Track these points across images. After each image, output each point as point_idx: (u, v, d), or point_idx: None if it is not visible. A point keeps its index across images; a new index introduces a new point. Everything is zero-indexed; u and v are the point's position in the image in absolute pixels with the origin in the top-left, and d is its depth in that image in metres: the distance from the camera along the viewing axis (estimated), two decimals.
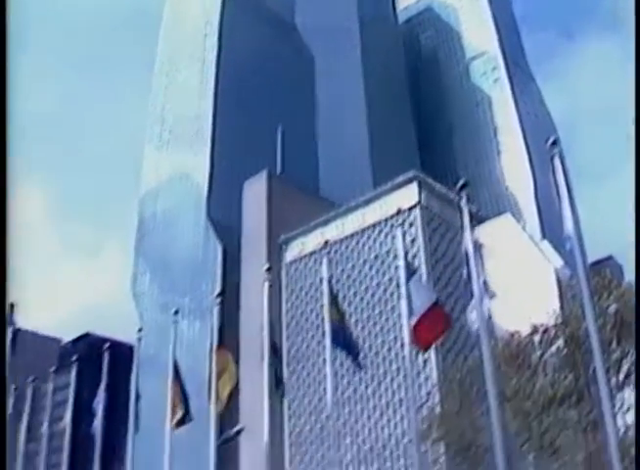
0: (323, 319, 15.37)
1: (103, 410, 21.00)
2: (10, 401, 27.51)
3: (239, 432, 31.24)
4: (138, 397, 19.75)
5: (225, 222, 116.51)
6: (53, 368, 35.93)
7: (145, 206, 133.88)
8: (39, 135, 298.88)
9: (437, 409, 36.18)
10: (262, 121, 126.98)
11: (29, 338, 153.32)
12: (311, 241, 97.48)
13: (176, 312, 20.27)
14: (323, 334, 15.38)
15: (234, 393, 16.14)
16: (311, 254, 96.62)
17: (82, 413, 25.76)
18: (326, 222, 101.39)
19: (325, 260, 17.14)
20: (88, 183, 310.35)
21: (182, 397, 17.79)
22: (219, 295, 51.50)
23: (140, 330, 22.66)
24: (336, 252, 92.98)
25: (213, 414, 16.52)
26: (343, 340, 15.34)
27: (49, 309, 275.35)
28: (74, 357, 27.26)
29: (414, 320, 14.45)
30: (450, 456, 33.62)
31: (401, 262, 16.24)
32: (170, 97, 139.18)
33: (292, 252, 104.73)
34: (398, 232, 17.25)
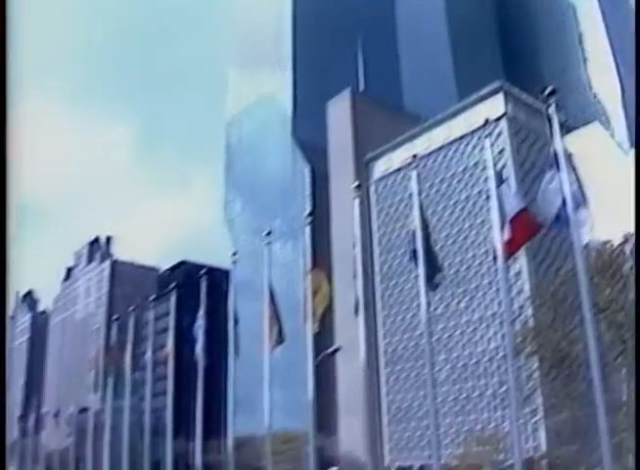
0: (414, 235, 15.23)
1: (203, 335, 21.74)
2: (114, 331, 28.92)
3: (335, 351, 31.94)
4: (236, 320, 20.31)
5: (311, 143, 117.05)
6: (152, 297, 37.55)
7: (230, 132, 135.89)
8: (121, 69, 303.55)
9: (531, 323, 35.79)
10: (343, 39, 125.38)
11: (128, 269, 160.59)
12: (398, 157, 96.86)
13: (268, 234, 20.45)
14: (414, 250, 15.26)
15: (328, 312, 16.42)
16: (399, 170, 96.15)
17: (184, 340, 26.86)
18: (412, 137, 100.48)
19: (413, 176, 16.81)
20: (174, 116, 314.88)
21: (277, 318, 18.21)
22: (310, 215, 51.70)
23: (234, 254, 23.01)
24: (423, 166, 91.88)
25: (309, 334, 16.84)
26: (429, 254, 15.26)
27: (146, 241, 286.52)
28: (173, 285, 27.93)
29: (504, 227, 14.24)
30: (544, 371, 33.41)
31: (490, 173, 15.90)
32: (250, 19, 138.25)
33: (379, 169, 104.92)
34: (486, 143, 16.82)
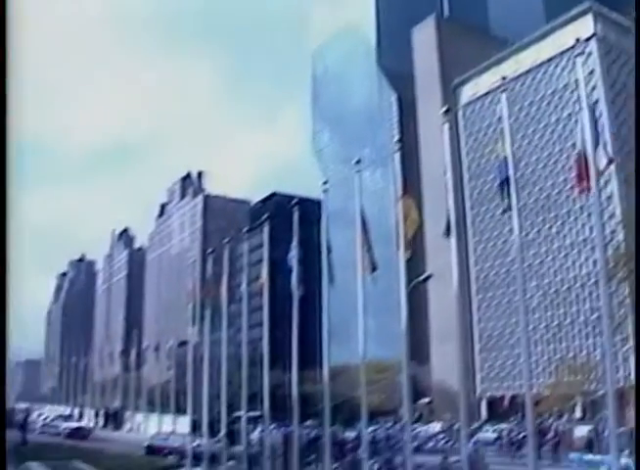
0: (506, 159, 14.59)
1: (297, 266, 21.83)
2: (209, 264, 29.38)
3: (427, 279, 31.76)
4: (329, 249, 20.24)
5: (397, 71, 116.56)
6: (246, 229, 37.96)
7: (316, 63, 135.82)
8: (207, 5, 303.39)
9: (622, 248, 34.47)
10: None
11: (220, 203, 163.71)
12: (485, 81, 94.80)
13: (358, 162, 20.10)
14: (506, 177, 14.65)
15: (419, 240, 16.07)
16: (486, 94, 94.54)
17: (278, 270, 27.05)
18: (499, 61, 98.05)
19: (502, 99, 16.00)
20: (260, 50, 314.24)
21: (369, 246, 18.04)
22: (399, 142, 50.77)
23: (325, 183, 22.76)
24: (512, 90, 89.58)
25: (402, 261, 16.60)
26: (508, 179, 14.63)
27: (236, 175, 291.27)
28: (265, 217, 28.08)
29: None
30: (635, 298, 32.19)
31: (581, 94, 15.00)
32: None
33: (466, 94, 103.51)
34: (577, 63, 15.73)
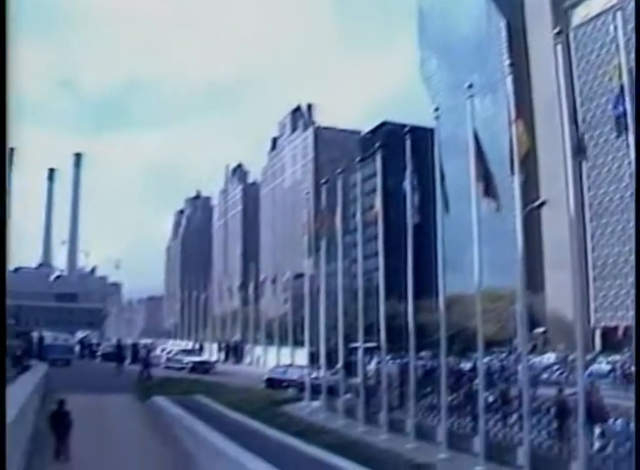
0: (622, 88, 14.03)
1: (411, 194, 22.03)
2: (323, 196, 29.90)
3: (541, 205, 31.20)
4: (442, 176, 20.28)
5: None
6: (358, 159, 38.28)
7: None
8: None
9: None
10: None
11: (331, 134, 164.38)
12: (598, 2, 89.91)
13: (470, 86, 19.86)
14: (620, 98, 14.13)
15: (532, 165, 15.81)
16: (599, 15, 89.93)
17: (391, 200, 27.28)
18: None
19: (618, 16, 15.29)
20: None
21: (484, 172, 17.97)
22: (510, 66, 49.16)
23: (436, 109, 22.66)
24: (624, 9, 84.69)
25: (517, 187, 16.49)
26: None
27: (345, 106, 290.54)
28: (377, 146, 28.25)
29: None
30: None
31: None
32: None
33: (578, 15, 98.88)
34: None
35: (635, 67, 13.28)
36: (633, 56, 13.51)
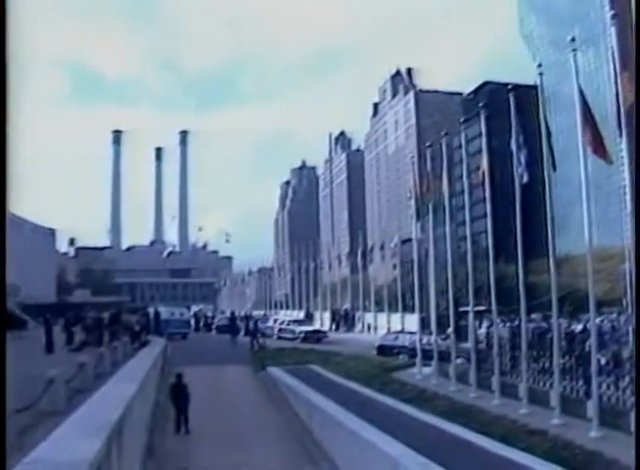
0: None
1: (517, 153, 21.63)
2: (427, 159, 29.72)
3: None
4: (549, 134, 19.84)
5: None
6: (461, 120, 37.68)
7: None
8: None
9: None
10: None
11: (432, 97, 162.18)
12: None
13: (573, 40, 19.26)
14: None
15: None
16: None
17: (497, 160, 26.87)
18: None
19: None
20: None
21: (591, 127, 17.45)
22: (613, 17, 46.90)
23: (539, 65, 22.12)
24: None
25: (624, 140, 15.89)
26: None
27: (445, 67, 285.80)
28: (480, 106, 27.84)
29: None
30: None
31: None
32: None
33: None
34: None
35: (635, 67, 12.62)
36: None
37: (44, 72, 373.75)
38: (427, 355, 29.87)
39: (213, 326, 69.18)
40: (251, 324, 50.59)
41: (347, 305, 78.04)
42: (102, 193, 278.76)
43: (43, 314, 39.92)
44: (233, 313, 64.45)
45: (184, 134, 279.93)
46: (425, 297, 35.45)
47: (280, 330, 58.24)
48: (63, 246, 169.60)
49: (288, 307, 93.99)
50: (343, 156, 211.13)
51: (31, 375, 15.18)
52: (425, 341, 31.76)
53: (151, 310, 53.02)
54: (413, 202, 31.45)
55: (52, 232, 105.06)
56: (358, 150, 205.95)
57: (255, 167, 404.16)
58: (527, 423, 18.02)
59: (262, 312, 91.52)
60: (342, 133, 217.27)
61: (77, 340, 34.70)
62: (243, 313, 77.07)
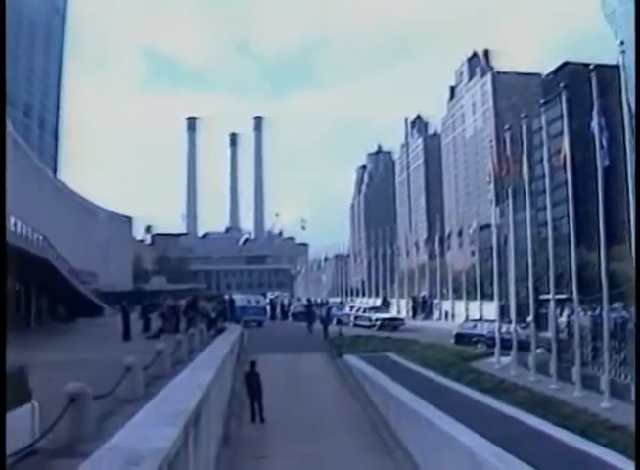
0: None
1: (599, 135, 21.13)
2: (506, 143, 29.27)
3: None
4: (632, 115, 19.37)
5: None
6: (541, 102, 36.94)
7: None
8: None
9: None
10: None
11: (510, 79, 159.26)
12: None
13: None
14: None
15: None
16: None
17: (579, 143, 26.25)
18: None
19: None
20: None
21: None
22: None
23: (622, 43, 21.49)
24: None
25: None
26: None
27: (522, 49, 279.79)
28: (561, 87, 27.28)
29: None
30: None
31: None
32: None
33: None
34: None
35: (635, 67, 12.14)
36: None
37: (120, 60, 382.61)
38: (506, 345, 29.57)
39: (289, 314, 69.82)
40: (323, 312, 50.65)
41: (425, 293, 77.69)
42: (177, 180, 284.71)
43: (120, 302, 41.07)
44: (309, 300, 64.96)
45: (259, 120, 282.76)
46: (504, 284, 35.05)
47: (356, 317, 58.35)
48: (139, 233, 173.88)
49: (364, 294, 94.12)
50: (420, 140, 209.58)
51: (109, 362, 15.73)
52: (504, 329, 31.43)
53: (227, 298, 53.86)
54: (492, 186, 31.07)
55: (128, 220, 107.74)
56: (435, 134, 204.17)
57: (331, 152, 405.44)
58: (609, 418, 17.67)
59: (338, 299, 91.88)
60: (418, 117, 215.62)
61: (154, 327, 35.62)
62: (319, 300, 77.64)
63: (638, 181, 12.37)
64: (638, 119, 11.78)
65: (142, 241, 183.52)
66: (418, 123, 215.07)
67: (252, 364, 19.67)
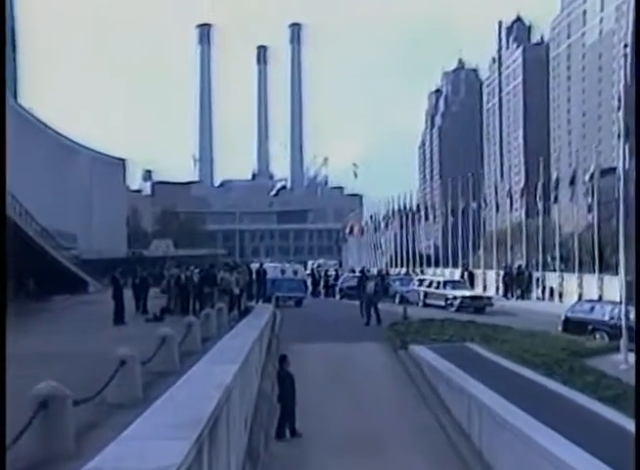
0: None
1: None
2: None
3: None
4: None
5: None
6: None
7: None
8: None
9: None
10: None
11: None
12: None
13: None
14: None
15: None
16: None
17: None
18: None
19: None
20: None
21: None
22: None
23: None
24: None
25: None
26: None
27: None
28: None
29: None
30: None
31: None
32: None
33: None
34: None
35: (635, 67, 11.81)
36: None
37: None
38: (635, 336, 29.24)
39: (337, 288, 70.02)
40: (370, 285, 48.65)
41: (521, 262, 77.19)
42: (186, 110, 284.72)
43: (110, 273, 41.34)
44: (364, 271, 64.98)
45: (295, 28, 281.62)
46: (632, 251, 34.56)
47: (427, 295, 58.31)
48: (135, 181, 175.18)
49: (438, 264, 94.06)
50: (519, 51, 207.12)
51: (95, 353, 15.89)
52: (633, 315, 31.06)
53: (254, 267, 54.04)
54: (620, 114, 30.55)
55: (121, 163, 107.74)
56: (540, 42, 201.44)
57: (394, 72, 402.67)
58: None
59: (403, 271, 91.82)
60: (517, 20, 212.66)
61: (155, 307, 35.97)
62: (376, 271, 77.63)
63: (638, 181, 12.40)
64: (638, 119, 11.73)
65: (139, 191, 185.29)
66: (516, 28, 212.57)
67: (282, 361, 19.71)
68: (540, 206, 75.02)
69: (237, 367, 13.83)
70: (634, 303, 17.88)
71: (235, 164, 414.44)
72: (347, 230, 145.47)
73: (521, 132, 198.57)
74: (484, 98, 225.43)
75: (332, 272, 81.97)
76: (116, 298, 34.52)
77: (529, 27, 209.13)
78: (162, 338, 17.90)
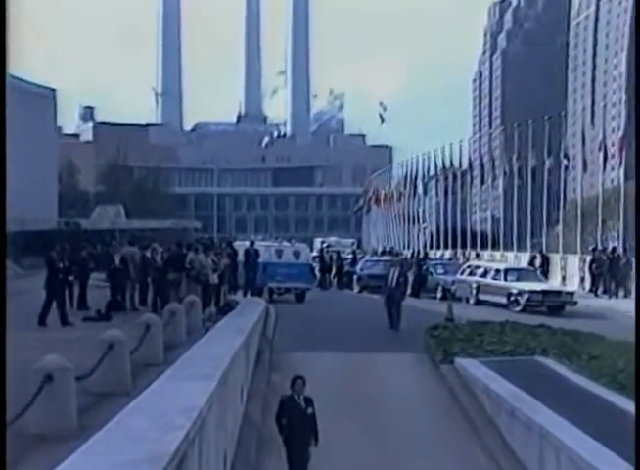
0: None
1: None
2: None
3: None
4: None
5: None
6: None
7: None
8: None
9: None
10: None
11: None
12: None
13: None
14: None
15: None
16: None
17: None
18: None
19: None
20: None
21: None
22: None
23: None
24: None
25: None
26: None
27: None
28: None
29: None
30: None
31: None
32: None
33: None
34: None
35: (635, 66, 11.96)
36: None
37: None
38: None
39: (355, 277, 70.00)
40: (394, 274, 47.56)
41: (617, 243, 77.10)
42: (148, 24, 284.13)
43: (35, 251, 41.09)
44: (392, 252, 64.81)
45: None
46: None
47: (481, 288, 58.31)
48: (71, 122, 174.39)
49: (497, 245, 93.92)
50: None
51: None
52: None
53: (240, 247, 53.99)
54: None
55: (50, 94, 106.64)
56: None
57: None
58: None
59: (448, 254, 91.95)
60: None
61: (97, 300, 36.12)
62: (409, 254, 77.65)
63: (638, 181, 12.60)
64: (638, 119, 12.00)
65: (76, 136, 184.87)
66: None
67: (295, 383, 17.89)
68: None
69: (213, 385, 13.80)
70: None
71: (213, 100, 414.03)
72: (371, 196, 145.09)
73: (624, 56, 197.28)
74: (573, 9, 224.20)
75: (348, 255, 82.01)
76: (50, 287, 33.53)
77: None
78: (109, 344, 17.90)
